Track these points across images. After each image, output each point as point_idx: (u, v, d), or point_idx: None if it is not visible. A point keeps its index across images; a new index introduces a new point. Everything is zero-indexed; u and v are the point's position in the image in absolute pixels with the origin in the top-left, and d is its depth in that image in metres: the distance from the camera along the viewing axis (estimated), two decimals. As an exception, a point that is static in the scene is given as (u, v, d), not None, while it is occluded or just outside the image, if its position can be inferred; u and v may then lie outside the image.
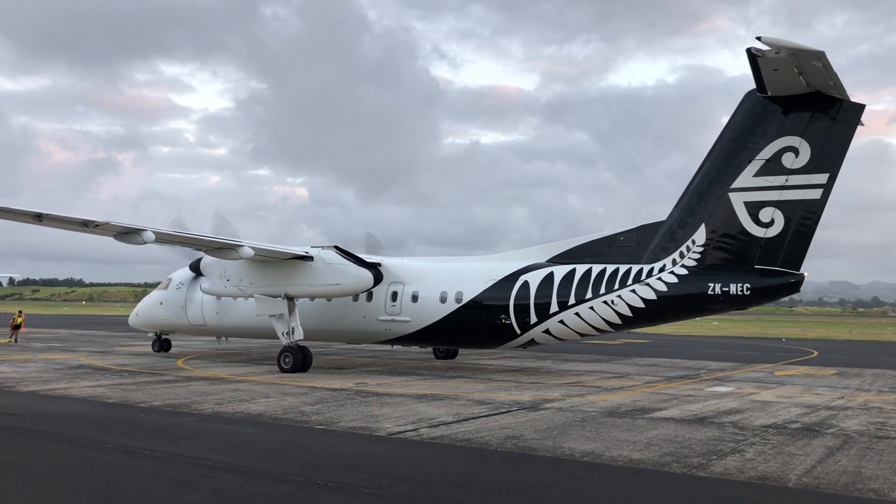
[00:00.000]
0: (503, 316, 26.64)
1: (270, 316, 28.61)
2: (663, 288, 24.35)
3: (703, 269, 23.93)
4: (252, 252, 26.74)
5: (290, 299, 28.47)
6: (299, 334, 28.36)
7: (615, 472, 12.17)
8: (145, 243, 25.08)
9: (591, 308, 25.37)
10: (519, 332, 26.59)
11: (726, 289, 23.33)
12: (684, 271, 24.22)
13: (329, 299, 29.65)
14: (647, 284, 24.58)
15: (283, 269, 28.09)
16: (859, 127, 22.41)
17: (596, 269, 25.74)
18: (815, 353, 45.25)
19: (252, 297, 28.96)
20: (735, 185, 23.43)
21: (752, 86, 22.63)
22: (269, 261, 28.06)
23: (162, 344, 36.12)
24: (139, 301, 37.79)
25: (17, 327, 44.07)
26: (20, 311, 47.83)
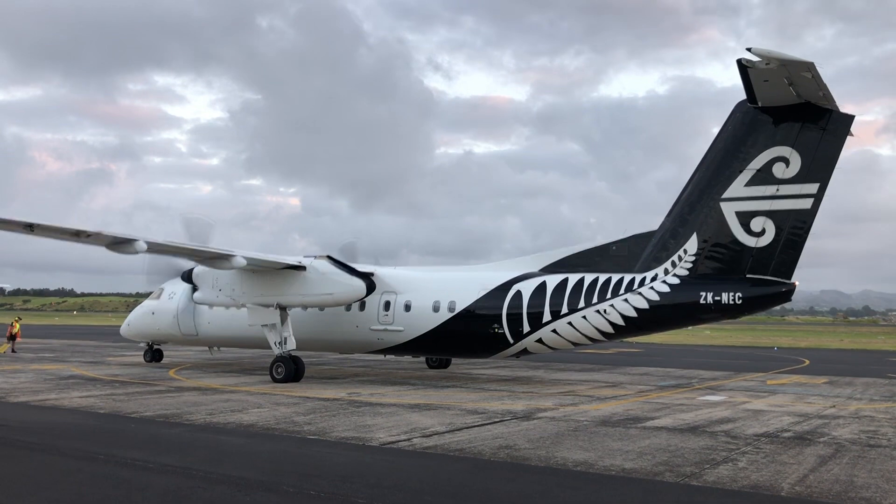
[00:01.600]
0: (496, 325, 26.64)
1: (263, 326, 28.53)
2: (655, 297, 24.41)
3: (694, 279, 24.01)
4: (244, 262, 26.69)
5: (283, 309, 28.41)
6: (291, 344, 28.28)
7: (608, 482, 12.17)
8: (137, 253, 25.01)
9: (584, 317, 25.41)
10: (512, 341, 26.59)
11: (718, 298, 23.41)
12: (676, 281, 24.29)
13: (322, 309, 29.58)
14: (640, 294, 24.64)
15: (276, 279, 28.04)
16: (849, 137, 22.58)
17: (588, 278, 25.79)
18: (807, 362, 45.40)
19: (244, 306, 28.90)
20: (726, 194, 23.55)
21: (743, 96, 22.78)
22: (261, 270, 28.01)
23: (154, 354, 35.98)
24: (131, 311, 37.66)
25: (12, 337, 43.72)
26: (18, 318, 47.53)
